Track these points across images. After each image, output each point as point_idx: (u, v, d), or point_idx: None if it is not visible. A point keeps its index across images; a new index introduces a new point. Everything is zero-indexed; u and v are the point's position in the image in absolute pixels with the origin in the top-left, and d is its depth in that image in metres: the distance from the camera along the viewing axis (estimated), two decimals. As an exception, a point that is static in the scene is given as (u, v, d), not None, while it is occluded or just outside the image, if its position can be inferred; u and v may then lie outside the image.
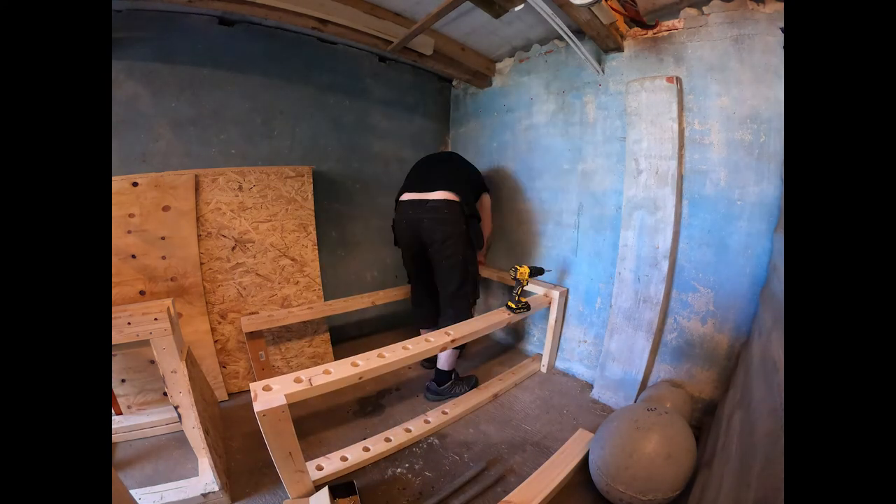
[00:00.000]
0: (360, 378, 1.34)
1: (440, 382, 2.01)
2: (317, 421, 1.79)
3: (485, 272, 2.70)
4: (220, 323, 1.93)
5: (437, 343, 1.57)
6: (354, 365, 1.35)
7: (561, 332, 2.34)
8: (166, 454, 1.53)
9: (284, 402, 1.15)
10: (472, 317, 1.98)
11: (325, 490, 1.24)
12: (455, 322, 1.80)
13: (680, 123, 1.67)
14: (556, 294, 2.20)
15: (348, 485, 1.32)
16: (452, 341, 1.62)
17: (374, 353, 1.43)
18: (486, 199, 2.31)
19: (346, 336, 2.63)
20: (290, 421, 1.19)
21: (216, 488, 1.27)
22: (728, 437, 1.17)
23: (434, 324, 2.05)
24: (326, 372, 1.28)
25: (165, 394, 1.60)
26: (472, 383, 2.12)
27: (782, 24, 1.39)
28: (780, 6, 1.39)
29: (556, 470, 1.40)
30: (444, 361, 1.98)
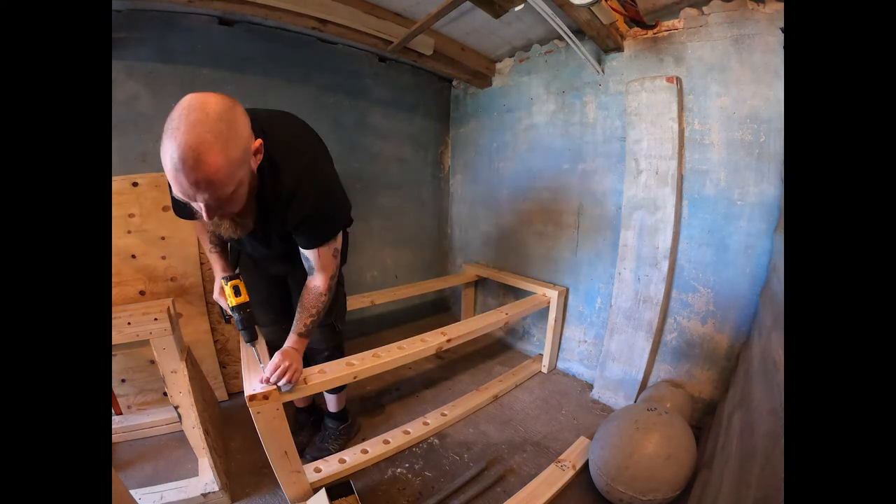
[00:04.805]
0: (355, 377, 1.33)
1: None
2: (317, 421, 1.78)
3: (483, 272, 2.71)
4: (220, 323, 1.92)
5: (432, 343, 1.55)
6: (349, 365, 1.34)
7: (561, 333, 2.33)
8: (166, 454, 1.53)
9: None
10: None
11: (322, 492, 1.23)
12: None
13: (680, 123, 1.66)
14: (554, 294, 2.19)
15: (345, 485, 1.32)
16: (448, 340, 1.60)
17: (370, 352, 1.43)
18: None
19: (345, 336, 2.62)
20: (284, 419, 1.19)
21: (216, 488, 1.27)
22: (728, 437, 1.17)
23: None
24: (322, 372, 1.28)
25: (165, 394, 1.60)
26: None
27: (782, 24, 1.39)
28: (780, 6, 1.39)
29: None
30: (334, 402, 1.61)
